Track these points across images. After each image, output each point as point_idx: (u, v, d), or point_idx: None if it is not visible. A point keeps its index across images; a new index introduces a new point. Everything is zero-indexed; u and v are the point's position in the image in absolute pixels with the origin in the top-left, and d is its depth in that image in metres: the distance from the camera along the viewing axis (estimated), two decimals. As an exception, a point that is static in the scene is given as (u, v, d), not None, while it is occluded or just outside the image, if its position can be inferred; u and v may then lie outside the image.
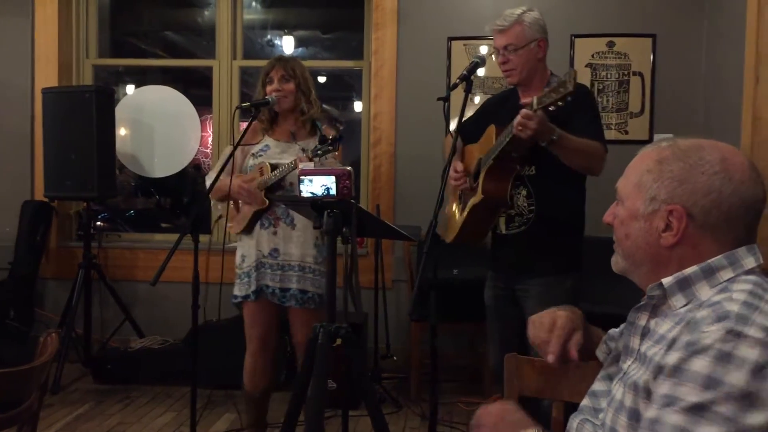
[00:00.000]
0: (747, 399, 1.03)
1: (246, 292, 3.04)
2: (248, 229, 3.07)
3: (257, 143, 3.11)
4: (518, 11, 2.67)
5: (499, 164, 2.58)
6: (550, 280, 2.62)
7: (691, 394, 1.05)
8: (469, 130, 2.85)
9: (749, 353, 1.05)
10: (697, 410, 1.04)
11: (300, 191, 2.20)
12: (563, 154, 2.48)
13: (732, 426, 1.02)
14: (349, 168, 2.18)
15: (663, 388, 1.10)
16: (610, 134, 4.20)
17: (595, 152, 2.54)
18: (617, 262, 1.35)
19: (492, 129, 2.65)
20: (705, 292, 1.20)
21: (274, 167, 2.98)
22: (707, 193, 1.20)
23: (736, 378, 1.04)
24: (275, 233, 3.03)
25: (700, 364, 1.06)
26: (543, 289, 2.62)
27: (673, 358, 1.10)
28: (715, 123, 4.11)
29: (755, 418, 1.02)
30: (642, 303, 1.30)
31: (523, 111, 2.34)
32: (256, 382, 3.15)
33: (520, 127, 2.35)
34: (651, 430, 1.09)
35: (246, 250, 3.07)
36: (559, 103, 2.28)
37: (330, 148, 2.80)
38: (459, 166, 2.76)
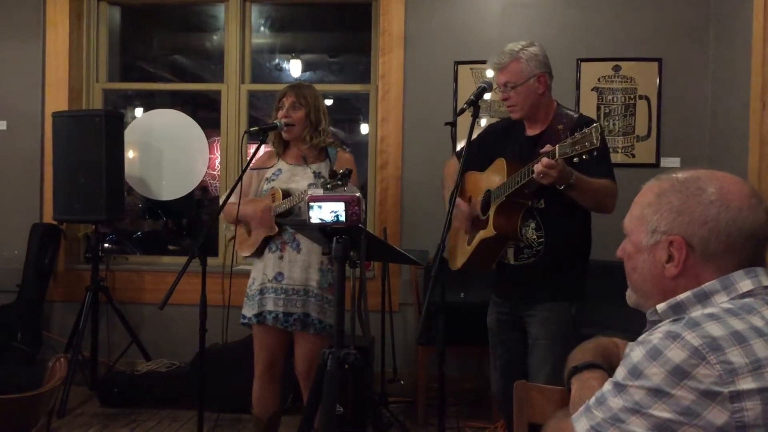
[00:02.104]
0: (657, 394, 1.11)
1: (249, 314, 3.07)
2: (258, 253, 3.09)
3: (271, 167, 3.15)
4: (517, 47, 2.66)
5: (512, 200, 2.58)
6: (556, 305, 2.64)
7: (620, 374, 1.18)
8: (472, 155, 2.82)
9: (676, 355, 1.11)
10: (618, 387, 1.17)
11: (309, 217, 2.21)
12: (578, 196, 2.49)
13: (638, 407, 1.13)
14: (358, 194, 2.20)
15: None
16: (616, 158, 4.21)
17: (608, 192, 2.55)
18: (630, 296, 1.38)
19: (501, 162, 2.65)
20: None
21: (285, 194, 3.01)
22: (704, 223, 1.21)
23: (654, 374, 1.12)
24: (281, 257, 3.04)
25: (636, 353, 1.16)
26: (548, 315, 2.63)
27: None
28: (721, 147, 4.11)
29: (660, 411, 1.10)
30: (645, 329, 1.31)
31: (545, 160, 2.32)
32: (263, 407, 3.15)
33: (541, 176, 2.35)
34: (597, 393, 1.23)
35: (256, 273, 3.10)
36: (584, 156, 2.26)
37: (339, 183, 2.81)
38: (463, 205, 2.75)
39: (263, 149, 3.19)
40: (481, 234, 2.67)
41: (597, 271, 2.76)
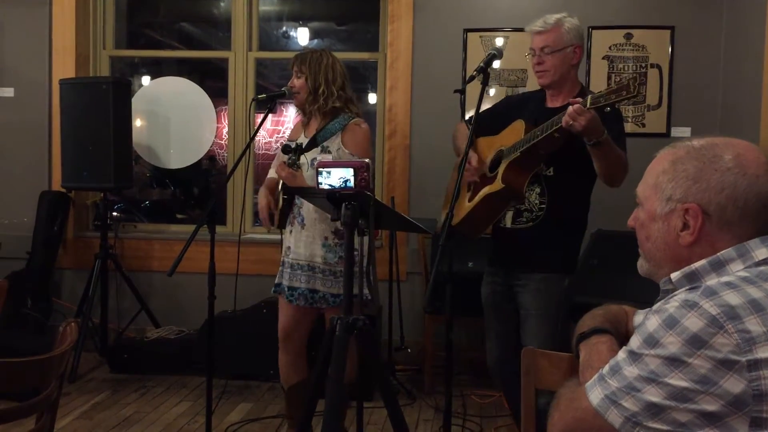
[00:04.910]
0: (674, 363, 1.10)
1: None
2: (282, 225, 3.12)
3: (296, 140, 3.16)
4: (559, 16, 2.72)
5: (525, 158, 2.59)
6: (548, 276, 2.68)
7: (635, 342, 1.17)
8: (485, 123, 2.84)
9: (693, 323, 1.10)
10: (633, 355, 1.16)
11: (318, 183, 2.21)
12: (602, 157, 2.49)
13: (654, 376, 1.12)
14: (367, 160, 2.19)
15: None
16: (626, 127, 4.16)
17: (625, 163, 2.57)
18: (642, 265, 1.37)
19: (520, 124, 2.66)
20: None
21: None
22: (721, 190, 1.20)
23: (671, 342, 1.11)
24: (291, 232, 3.06)
25: (651, 322, 1.15)
26: (542, 285, 2.67)
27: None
28: (733, 116, 4.08)
29: (676, 380, 1.10)
30: (658, 298, 1.31)
31: (577, 106, 2.34)
32: (283, 376, 3.19)
33: (571, 121, 2.34)
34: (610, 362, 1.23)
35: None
36: (616, 105, 2.30)
37: (294, 158, 2.84)
38: (474, 159, 2.75)
39: (270, 118, 3.21)
40: (486, 189, 2.67)
41: (606, 241, 2.76)
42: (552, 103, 2.75)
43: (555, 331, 2.61)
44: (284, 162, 2.89)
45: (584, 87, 2.81)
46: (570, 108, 2.35)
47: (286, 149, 2.88)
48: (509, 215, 2.73)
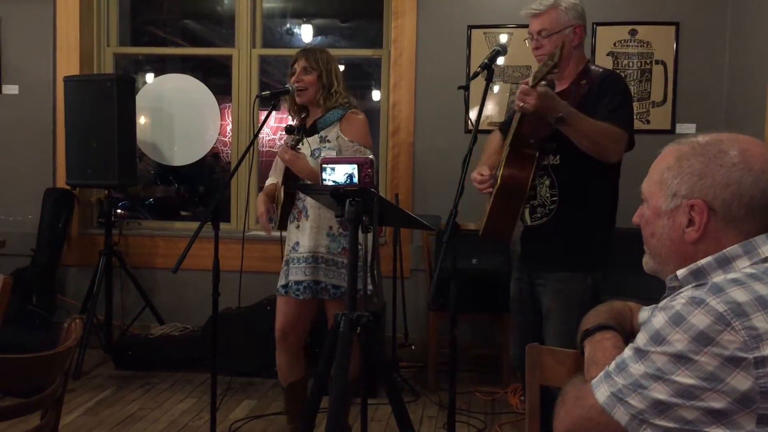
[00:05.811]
0: (681, 360, 1.10)
1: (279, 285, 3.11)
2: (283, 225, 3.12)
3: None
4: None
5: (516, 150, 2.54)
6: (569, 275, 2.56)
7: (641, 340, 1.17)
8: (509, 126, 2.81)
9: (700, 321, 1.10)
10: (639, 353, 1.16)
11: (322, 179, 2.21)
12: (572, 134, 2.41)
13: (660, 374, 1.12)
14: (371, 156, 2.19)
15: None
16: (631, 124, 4.16)
17: (610, 134, 2.44)
18: (647, 262, 1.36)
19: (516, 116, 2.61)
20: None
21: None
22: (727, 186, 1.19)
23: (677, 340, 1.11)
24: (298, 227, 3.06)
25: (658, 319, 1.15)
26: (560, 285, 2.56)
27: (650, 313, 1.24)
28: (738, 113, 4.06)
29: (683, 377, 1.10)
30: (663, 296, 1.30)
31: (522, 87, 2.35)
32: (282, 374, 3.18)
33: (520, 103, 2.35)
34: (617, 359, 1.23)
35: (286, 245, 3.15)
36: (548, 76, 2.31)
37: (297, 138, 2.86)
38: (485, 170, 2.68)
39: (275, 115, 3.21)
40: (493, 191, 2.61)
41: (615, 238, 2.72)
42: (558, 87, 2.65)
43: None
44: (286, 144, 2.90)
45: (588, 65, 2.67)
46: (518, 91, 2.37)
47: (289, 129, 2.90)
48: (527, 211, 2.64)
